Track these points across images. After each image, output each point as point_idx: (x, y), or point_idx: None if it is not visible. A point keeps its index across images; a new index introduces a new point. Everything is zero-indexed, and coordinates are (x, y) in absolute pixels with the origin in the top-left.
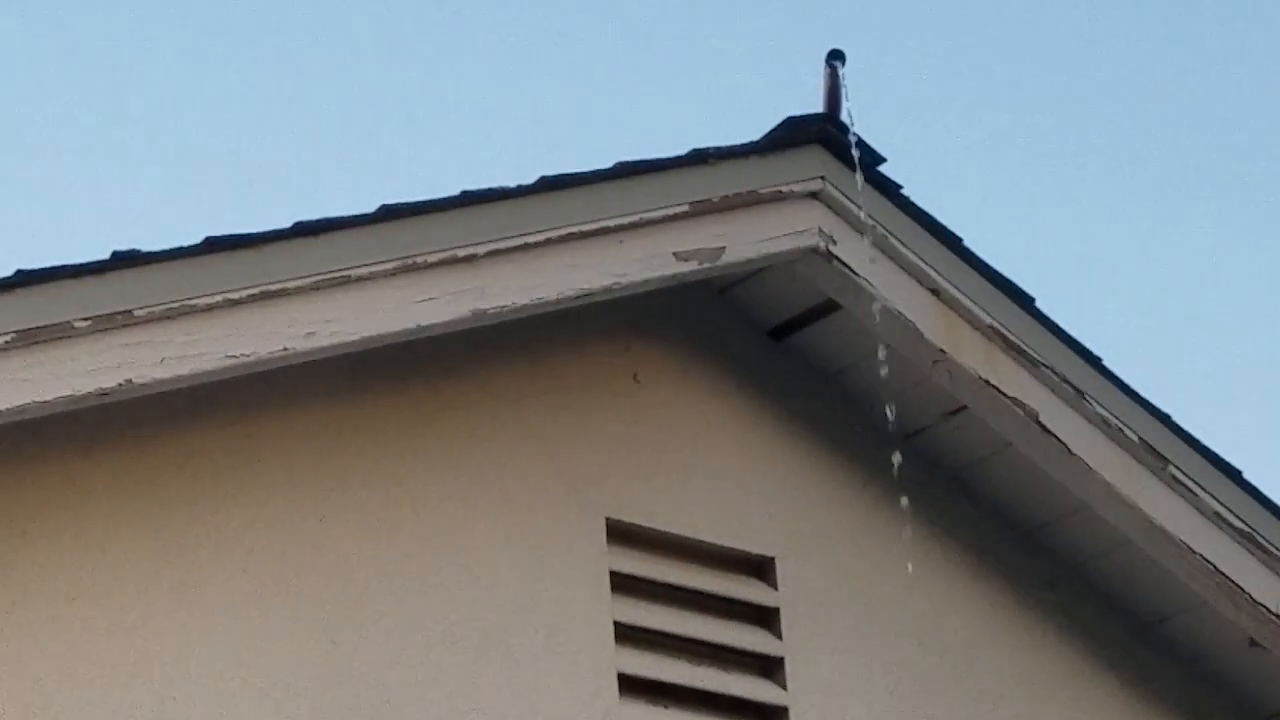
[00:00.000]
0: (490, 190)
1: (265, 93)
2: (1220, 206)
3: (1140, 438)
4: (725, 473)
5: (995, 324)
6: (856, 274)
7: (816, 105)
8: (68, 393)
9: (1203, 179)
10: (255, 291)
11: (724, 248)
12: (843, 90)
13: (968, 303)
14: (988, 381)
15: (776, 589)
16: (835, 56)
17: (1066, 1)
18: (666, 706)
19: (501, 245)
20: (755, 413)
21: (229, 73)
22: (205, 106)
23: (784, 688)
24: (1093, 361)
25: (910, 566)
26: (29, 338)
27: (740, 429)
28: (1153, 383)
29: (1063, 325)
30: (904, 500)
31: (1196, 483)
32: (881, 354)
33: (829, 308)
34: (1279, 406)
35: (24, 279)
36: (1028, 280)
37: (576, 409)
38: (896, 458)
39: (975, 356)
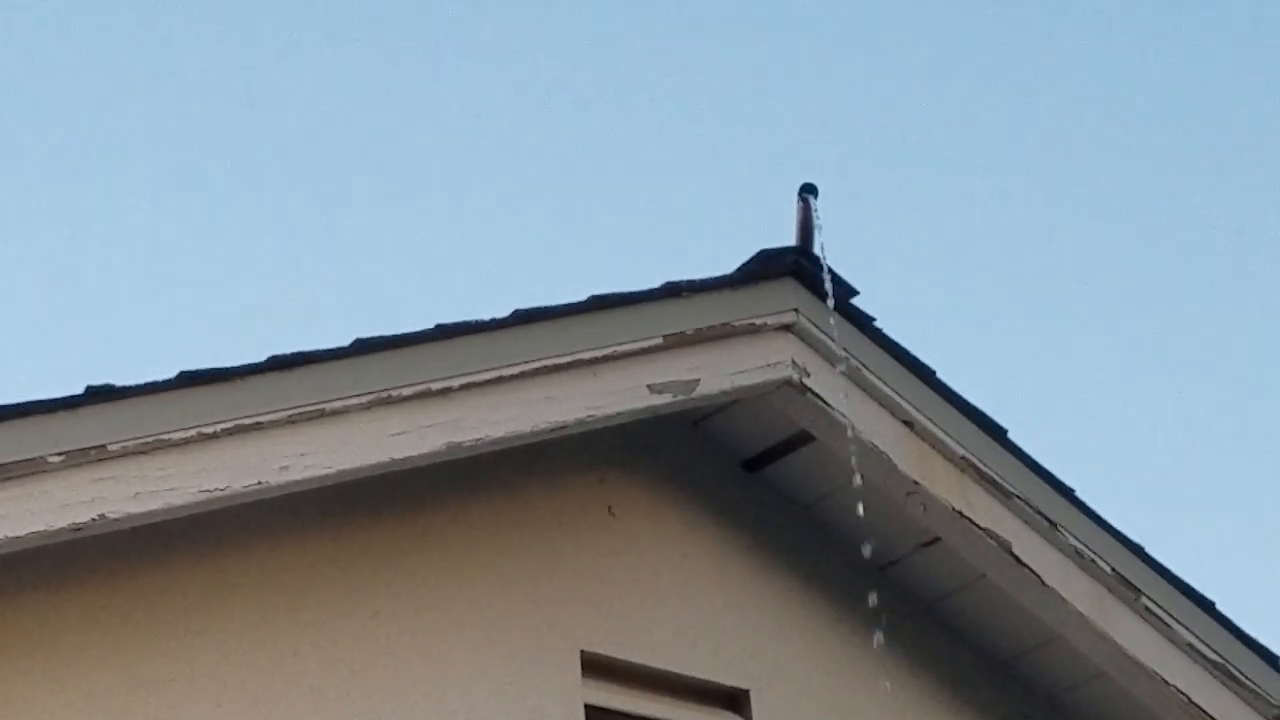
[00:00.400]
0: (464, 323)
1: (237, 227)
2: (1188, 337)
3: (1113, 569)
4: (700, 605)
5: (968, 455)
6: (830, 406)
7: (789, 238)
8: (41, 528)
9: (1169, 311)
10: (229, 425)
11: (698, 380)
12: (815, 223)
13: (940, 434)
14: (961, 513)
15: None
16: (808, 190)
17: (1031, 137)
18: None
19: (476, 378)
20: (730, 544)
21: (202, 207)
22: (178, 240)
23: None
24: (1065, 493)
25: (888, 684)
26: (2, 473)
27: (715, 561)
28: (1125, 514)
29: (1035, 457)
30: (878, 638)
31: (1170, 614)
32: (857, 484)
33: (803, 439)
34: (1251, 537)
35: None
36: (1000, 412)
37: (551, 542)
38: (873, 599)
39: (949, 488)
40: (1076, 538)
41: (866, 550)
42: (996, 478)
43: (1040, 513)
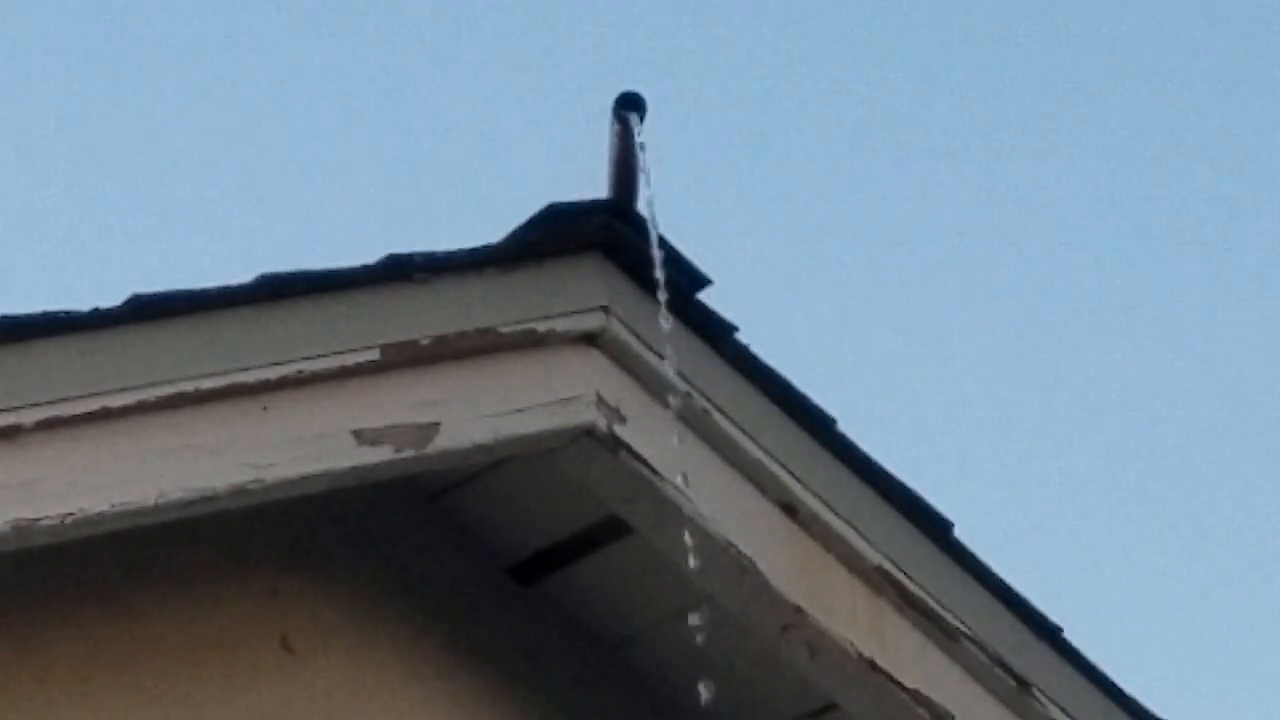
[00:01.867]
0: (43, 317)
1: None
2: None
3: None
4: None
5: (888, 565)
6: (658, 475)
7: (598, 186)
8: None
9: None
10: None
11: (438, 425)
12: (640, 162)
13: (842, 527)
14: (873, 663)
15: None
16: (629, 104)
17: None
18: None
19: (64, 411)
20: (485, 708)
21: None
22: None
23: None
24: (1044, 632)
25: None
26: None
27: None
28: (1140, 669)
29: (996, 570)
30: None
31: None
32: (697, 617)
33: (611, 532)
34: None
35: None
36: (940, 492)
37: (185, 692)
38: None
39: (853, 619)
40: (1060, 705)
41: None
42: (933, 603)
43: (1004, 664)
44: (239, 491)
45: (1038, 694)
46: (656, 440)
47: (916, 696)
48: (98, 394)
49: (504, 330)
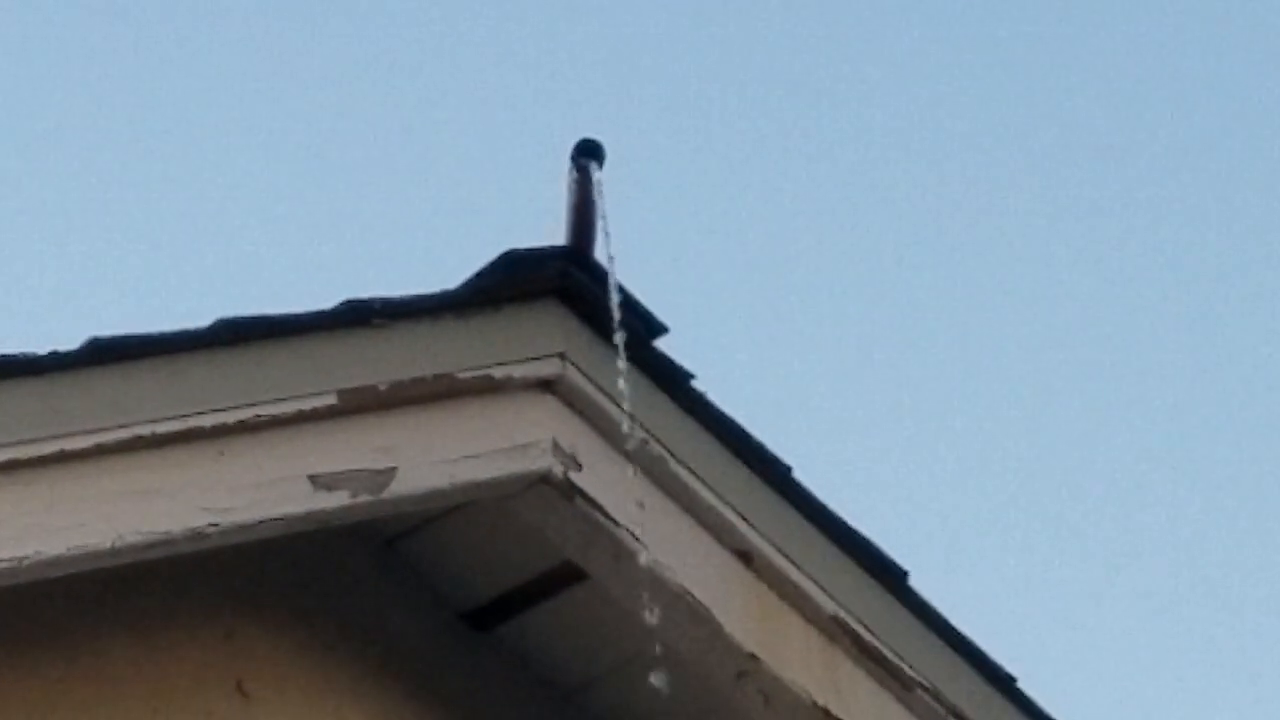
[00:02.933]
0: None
1: None
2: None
3: None
4: None
5: (844, 613)
6: (614, 521)
7: (555, 233)
8: None
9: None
10: None
11: (394, 470)
12: (598, 209)
13: (798, 576)
14: (828, 711)
15: None
16: (587, 151)
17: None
18: None
19: (19, 454)
20: None
21: None
22: None
23: None
24: (998, 680)
25: None
26: None
27: None
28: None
29: (953, 621)
30: None
31: None
32: (656, 672)
33: (566, 578)
34: None
35: None
36: (899, 544)
37: None
38: None
39: (809, 667)
40: None
41: None
42: (888, 652)
43: (959, 714)
44: (195, 535)
45: None
46: (612, 487)
47: None
48: (55, 437)
49: (461, 376)
